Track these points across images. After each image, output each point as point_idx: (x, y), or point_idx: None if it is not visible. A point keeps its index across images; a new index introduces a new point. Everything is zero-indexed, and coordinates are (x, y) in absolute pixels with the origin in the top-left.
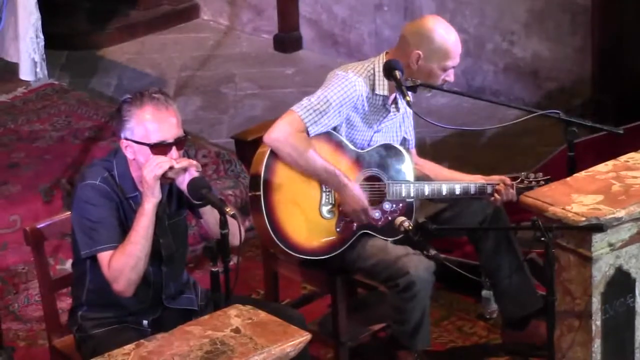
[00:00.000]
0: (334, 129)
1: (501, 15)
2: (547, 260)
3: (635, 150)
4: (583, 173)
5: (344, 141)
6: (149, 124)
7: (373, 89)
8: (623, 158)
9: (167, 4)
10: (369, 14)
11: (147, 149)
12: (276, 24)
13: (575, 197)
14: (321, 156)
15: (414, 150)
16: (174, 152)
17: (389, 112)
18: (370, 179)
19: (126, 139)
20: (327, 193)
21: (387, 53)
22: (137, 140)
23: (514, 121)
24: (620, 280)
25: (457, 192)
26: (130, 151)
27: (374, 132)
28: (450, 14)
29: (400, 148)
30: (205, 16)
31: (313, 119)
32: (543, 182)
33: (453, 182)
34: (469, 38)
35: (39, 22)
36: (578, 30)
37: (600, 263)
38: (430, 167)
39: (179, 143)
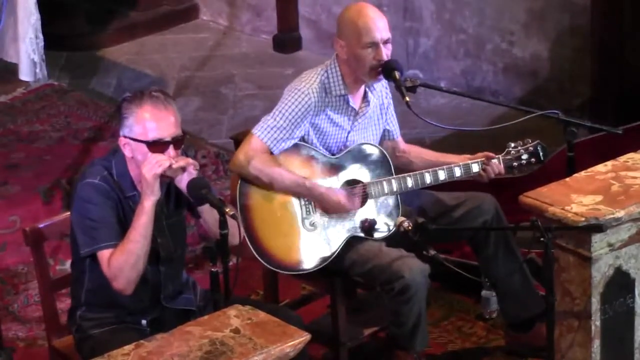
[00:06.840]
0: (303, 139)
1: (501, 15)
2: (546, 260)
3: (634, 150)
4: (582, 173)
5: (316, 150)
6: (148, 122)
7: (330, 92)
8: (622, 158)
9: (167, 5)
10: None
11: (144, 147)
12: (275, 25)
13: (574, 198)
14: (292, 171)
15: (399, 139)
16: (171, 150)
17: (357, 109)
18: (350, 182)
19: (125, 136)
20: (307, 205)
21: (337, 55)
22: (135, 137)
23: (514, 121)
24: (620, 281)
25: (442, 177)
26: (128, 149)
27: (348, 132)
28: (450, 14)
29: (374, 145)
30: (204, 17)
31: (274, 138)
32: (532, 148)
33: (436, 167)
34: (469, 38)
35: (39, 23)
36: (577, 30)
37: (600, 263)
38: (416, 153)
39: (176, 142)
